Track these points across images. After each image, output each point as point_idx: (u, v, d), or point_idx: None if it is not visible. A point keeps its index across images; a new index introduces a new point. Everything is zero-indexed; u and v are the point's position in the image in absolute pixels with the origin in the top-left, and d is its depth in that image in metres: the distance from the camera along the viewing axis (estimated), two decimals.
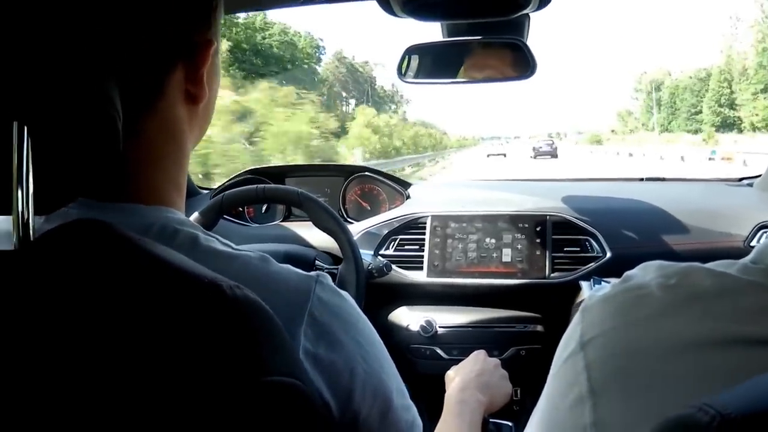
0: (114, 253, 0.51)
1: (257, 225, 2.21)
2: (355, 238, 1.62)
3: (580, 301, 0.93)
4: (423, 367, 1.90)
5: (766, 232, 1.81)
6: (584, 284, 1.73)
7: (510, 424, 1.30)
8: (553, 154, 49.24)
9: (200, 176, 6.62)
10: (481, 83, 1.72)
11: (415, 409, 0.77)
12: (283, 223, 2.19)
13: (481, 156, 54.86)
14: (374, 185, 2.28)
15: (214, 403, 0.47)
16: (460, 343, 1.89)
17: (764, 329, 0.46)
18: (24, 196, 0.52)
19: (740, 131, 66.79)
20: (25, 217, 0.53)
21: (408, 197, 2.17)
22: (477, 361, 1.29)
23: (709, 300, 0.50)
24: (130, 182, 0.66)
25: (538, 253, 1.87)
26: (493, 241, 1.90)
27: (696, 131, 72.23)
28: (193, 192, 2.30)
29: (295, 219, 2.20)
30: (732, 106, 71.55)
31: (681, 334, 0.49)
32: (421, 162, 38.27)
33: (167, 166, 0.69)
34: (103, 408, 0.45)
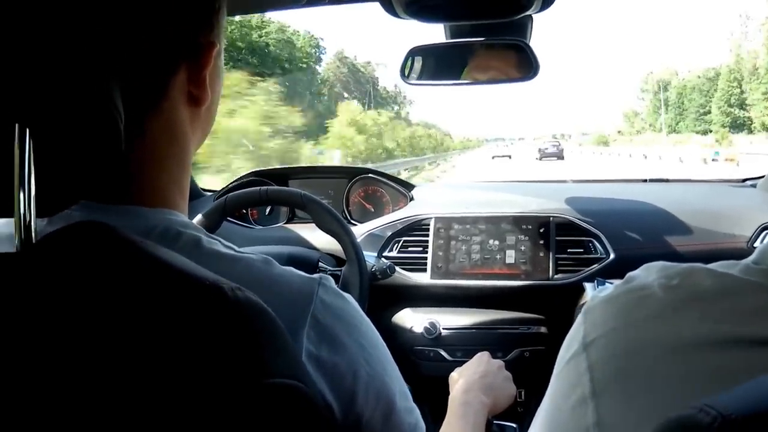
0: (116, 255, 0.51)
1: (261, 227, 2.21)
2: (358, 239, 1.62)
3: (584, 303, 0.93)
4: (427, 368, 1.90)
5: None
6: (588, 285, 1.72)
7: (514, 425, 1.30)
8: (560, 156, 48.48)
9: None
10: (485, 85, 1.72)
11: (418, 412, 0.77)
12: (287, 225, 2.19)
13: (485, 158, 53.67)
14: (378, 187, 2.28)
15: (216, 406, 0.47)
16: (464, 344, 1.89)
17: (765, 330, 0.46)
18: (26, 199, 0.52)
19: (750, 131, 65.77)
20: (27, 219, 0.53)
21: (411, 199, 2.17)
22: (481, 363, 1.29)
23: (711, 300, 0.50)
24: (133, 184, 0.66)
25: (541, 254, 1.87)
26: (497, 242, 1.90)
27: (705, 132, 71.24)
28: (196, 194, 2.30)
29: (299, 221, 2.20)
30: (742, 106, 70.50)
31: (682, 334, 0.49)
32: (419, 165, 35.16)
33: (170, 167, 0.69)
34: (106, 410, 0.46)
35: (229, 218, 1.80)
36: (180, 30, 0.64)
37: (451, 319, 1.93)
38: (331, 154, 24.57)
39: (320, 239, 1.91)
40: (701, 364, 0.47)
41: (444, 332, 1.91)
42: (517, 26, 1.57)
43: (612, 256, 1.83)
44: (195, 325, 0.49)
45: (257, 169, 2.32)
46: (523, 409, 1.84)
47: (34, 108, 0.52)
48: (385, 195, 2.27)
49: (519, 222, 1.91)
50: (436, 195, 2.24)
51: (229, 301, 0.51)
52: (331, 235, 1.58)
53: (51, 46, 0.53)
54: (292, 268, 0.69)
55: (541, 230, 1.89)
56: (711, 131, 69.28)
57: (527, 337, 1.89)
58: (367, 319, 0.73)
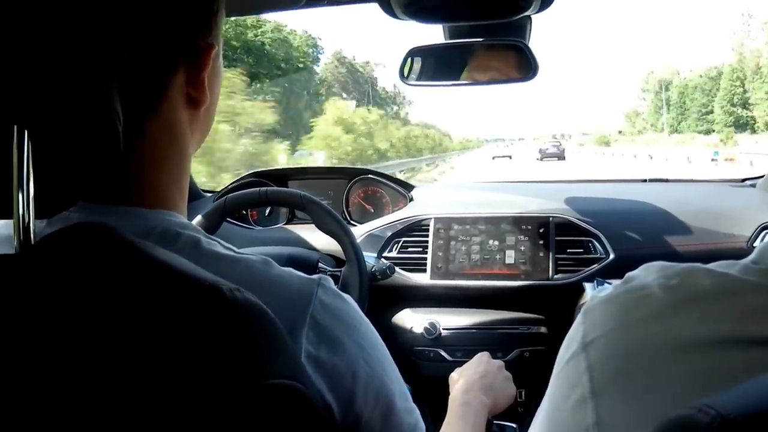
0: (115, 256, 0.51)
1: (260, 228, 2.21)
2: (358, 240, 1.62)
3: (584, 303, 0.93)
4: (427, 369, 1.90)
5: None
6: (587, 286, 1.72)
7: (514, 425, 1.30)
8: (561, 156, 47.75)
9: None
10: (484, 85, 1.72)
11: (417, 412, 0.77)
12: (287, 226, 2.19)
13: (485, 159, 52.51)
14: (377, 188, 2.28)
15: (215, 406, 0.47)
16: (464, 345, 1.89)
17: (764, 329, 0.46)
18: (25, 200, 0.52)
19: (753, 131, 64.90)
20: (26, 220, 0.53)
21: (411, 199, 2.17)
22: (481, 363, 1.29)
23: (710, 300, 0.50)
24: (132, 185, 0.66)
25: (541, 254, 1.87)
26: (497, 242, 1.90)
27: (708, 132, 70.31)
28: (196, 195, 2.30)
29: (299, 222, 2.20)
30: (745, 105, 69.70)
31: (681, 334, 0.49)
32: (416, 167, 33.32)
33: (170, 168, 0.69)
34: (105, 411, 0.46)
35: (228, 219, 1.81)
36: (179, 32, 0.64)
37: (451, 320, 1.93)
38: (315, 156, 22.40)
39: (320, 240, 1.91)
40: (700, 364, 0.47)
41: (444, 332, 1.91)
42: (516, 27, 1.57)
43: (612, 256, 1.83)
44: (194, 326, 0.49)
45: (257, 170, 2.32)
46: (523, 409, 1.84)
47: (33, 109, 0.52)
48: (385, 195, 2.27)
49: (519, 222, 1.91)
50: (436, 195, 2.24)
51: (227, 302, 0.51)
52: (331, 236, 1.58)
53: (50, 47, 0.53)
54: (291, 269, 0.69)
55: (541, 230, 1.89)
56: (714, 131, 68.25)
57: (527, 337, 1.89)
58: (367, 320, 0.73)
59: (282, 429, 0.51)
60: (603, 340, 0.54)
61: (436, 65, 1.72)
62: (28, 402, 0.46)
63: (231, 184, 2.27)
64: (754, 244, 1.79)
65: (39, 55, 0.52)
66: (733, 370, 0.45)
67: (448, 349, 1.90)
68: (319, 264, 1.76)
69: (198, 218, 1.58)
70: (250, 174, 2.31)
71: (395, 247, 1.99)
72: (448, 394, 1.21)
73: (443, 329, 1.91)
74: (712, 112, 75.43)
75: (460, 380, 1.23)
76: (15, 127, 0.51)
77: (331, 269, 1.76)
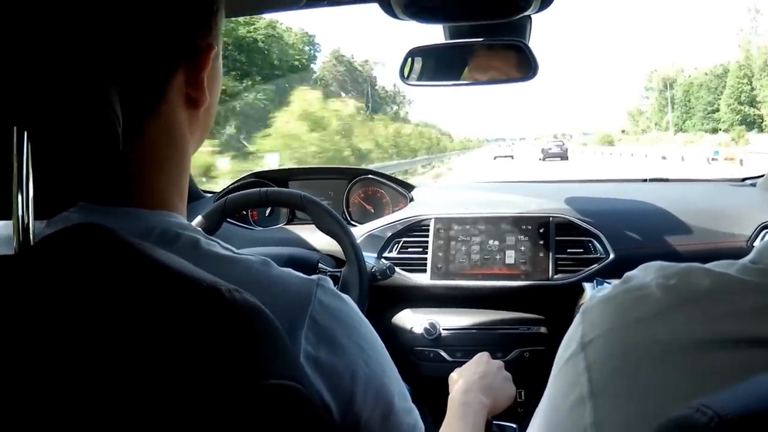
0: (114, 257, 0.51)
1: (261, 228, 2.21)
2: (358, 240, 1.62)
3: (583, 303, 0.93)
4: (427, 369, 1.90)
5: None
6: (587, 286, 1.72)
7: (514, 425, 1.30)
8: (563, 156, 46.76)
9: None
10: (485, 85, 1.72)
11: (417, 412, 0.77)
12: (287, 227, 2.19)
13: (485, 159, 51.19)
14: (378, 188, 2.28)
15: (214, 407, 0.47)
16: (464, 345, 1.89)
17: (762, 329, 0.46)
18: (24, 201, 0.52)
19: (761, 130, 63.49)
20: (25, 221, 0.53)
21: (411, 200, 2.18)
22: (480, 363, 1.29)
23: (708, 300, 0.50)
24: (132, 186, 0.66)
25: (541, 254, 1.87)
26: (497, 243, 1.90)
27: (714, 130, 68.70)
28: (196, 195, 2.30)
29: (299, 222, 2.20)
30: (752, 103, 67.79)
31: (679, 334, 0.49)
32: (410, 168, 29.71)
33: (169, 169, 0.69)
34: (104, 412, 0.46)
35: (229, 219, 1.81)
36: (178, 32, 0.65)
37: (450, 320, 1.93)
38: (267, 160, 17.93)
39: (320, 240, 1.92)
40: (699, 364, 0.47)
41: (444, 333, 1.91)
42: (516, 27, 1.57)
43: (612, 256, 1.83)
44: (193, 327, 0.49)
45: (257, 170, 2.32)
46: (523, 409, 1.83)
47: (33, 110, 0.52)
48: (385, 196, 2.27)
49: (519, 222, 1.91)
50: (436, 196, 2.24)
51: (226, 302, 0.51)
52: (331, 236, 1.59)
53: (49, 48, 0.53)
54: (290, 270, 0.69)
55: (541, 230, 1.89)
56: (720, 130, 67.09)
57: (527, 337, 1.89)
58: (366, 320, 0.73)
59: (281, 429, 0.51)
60: (601, 340, 0.54)
61: (437, 65, 1.72)
62: (28, 402, 0.46)
63: (231, 184, 2.27)
64: (754, 244, 1.79)
65: (39, 55, 0.52)
66: (732, 370, 0.45)
67: (448, 350, 1.90)
68: (320, 264, 1.77)
69: (198, 219, 1.58)
70: (250, 174, 2.31)
71: (395, 247, 1.99)
72: (448, 394, 1.21)
73: (443, 329, 1.91)
74: (718, 110, 73.32)
75: (459, 380, 1.23)
76: (15, 128, 0.51)
77: (331, 269, 1.76)
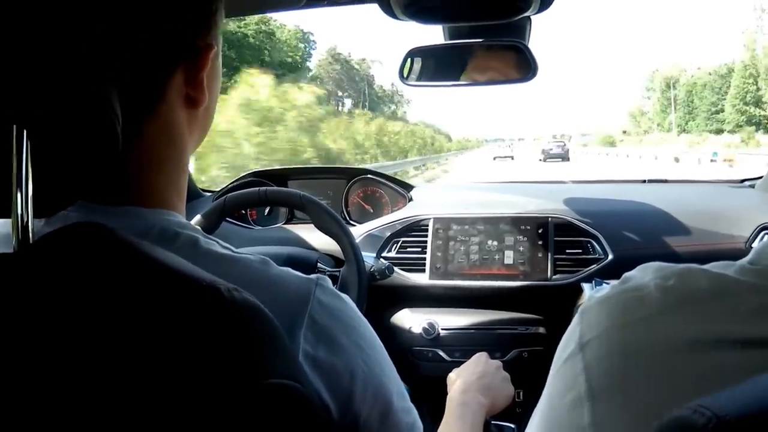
0: (113, 256, 0.51)
1: (260, 227, 2.21)
2: (357, 240, 1.62)
3: (582, 303, 0.93)
4: (425, 369, 1.90)
5: (767, 233, 1.80)
6: (585, 286, 1.72)
7: (512, 426, 1.30)
8: (565, 157, 45.36)
9: None
10: (484, 86, 1.72)
11: (415, 412, 0.77)
12: (286, 226, 2.19)
13: (485, 159, 49.66)
14: (377, 188, 2.28)
15: (213, 406, 0.47)
16: (462, 345, 1.89)
17: (760, 330, 0.46)
18: (23, 199, 0.52)
19: (767, 131, 62.09)
20: (25, 219, 0.53)
21: (410, 199, 2.18)
22: (479, 363, 1.29)
23: (706, 301, 0.50)
24: (131, 185, 0.66)
25: (540, 255, 1.87)
26: (495, 243, 1.90)
27: (718, 131, 67.38)
28: (195, 195, 2.30)
29: (298, 221, 2.20)
30: (758, 104, 66.61)
31: (678, 335, 0.49)
32: (399, 171, 23.43)
33: (168, 169, 0.69)
34: (103, 411, 0.46)
35: (228, 219, 1.81)
36: (178, 32, 0.65)
37: (449, 320, 1.93)
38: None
39: (319, 240, 1.92)
40: (697, 365, 0.47)
41: (442, 333, 1.91)
42: (516, 27, 1.57)
43: (610, 256, 1.83)
44: (192, 326, 0.49)
45: (256, 169, 2.32)
46: (522, 409, 1.83)
47: (32, 109, 0.52)
48: (384, 196, 2.27)
49: (517, 223, 1.91)
50: (435, 196, 2.25)
51: (225, 301, 0.51)
52: (330, 236, 1.59)
53: (49, 47, 0.53)
54: (289, 269, 0.69)
55: (540, 231, 1.89)
56: (724, 131, 65.76)
57: (525, 337, 1.89)
58: (365, 320, 0.73)
59: (280, 428, 0.51)
60: (599, 341, 0.54)
61: (436, 66, 1.72)
62: (27, 402, 0.46)
63: (230, 183, 2.27)
64: (753, 245, 1.79)
65: (38, 55, 0.52)
66: (730, 370, 0.45)
67: (447, 350, 1.90)
68: (318, 264, 1.77)
69: (197, 218, 1.58)
70: (249, 173, 2.31)
71: (394, 247, 1.99)
72: (446, 394, 1.21)
73: (442, 329, 1.91)
74: (722, 111, 72.03)
75: (458, 380, 1.23)
76: (14, 126, 0.51)
77: (330, 269, 1.76)
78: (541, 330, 1.90)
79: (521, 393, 1.86)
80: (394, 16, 1.42)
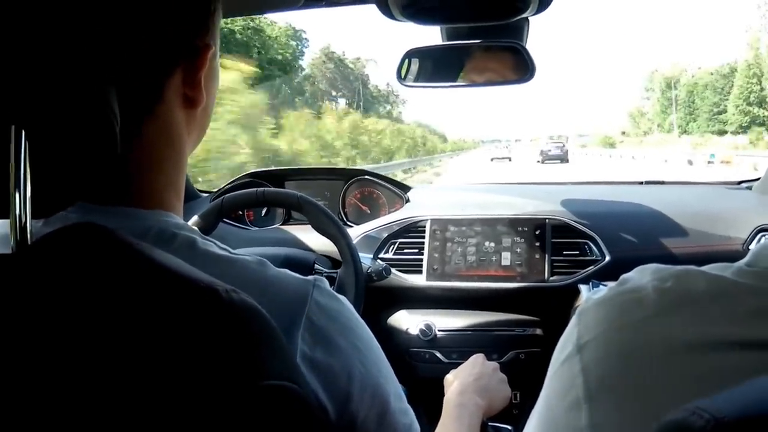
0: (111, 257, 0.51)
1: (257, 228, 2.22)
2: (354, 241, 1.62)
3: (579, 305, 0.93)
4: (422, 370, 1.91)
5: (765, 235, 1.81)
6: (583, 288, 1.73)
7: (509, 427, 1.30)
8: (564, 159, 44.50)
9: None
10: (482, 87, 1.72)
11: (412, 413, 0.77)
12: (283, 227, 2.19)
13: (481, 161, 48.31)
14: (374, 189, 2.28)
15: (211, 407, 0.47)
16: (460, 346, 1.89)
17: (758, 332, 0.46)
18: (22, 200, 0.52)
19: None
20: (23, 220, 0.53)
21: (408, 201, 2.18)
22: (476, 365, 1.29)
23: (704, 303, 0.50)
24: (130, 186, 0.66)
25: (537, 256, 1.87)
26: (493, 244, 1.91)
27: (720, 132, 66.07)
28: (192, 195, 2.30)
29: (295, 222, 2.20)
30: (762, 104, 64.77)
31: (675, 336, 0.49)
32: (386, 174, 12.72)
33: (167, 169, 0.69)
34: (101, 412, 0.46)
35: (225, 219, 1.81)
36: (176, 32, 0.65)
37: (446, 321, 1.93)
38: None
39: (316, 241, 1.91)
40: (695, 367, 0.47)
41: (439, 334, 1.91)
42: (514, 28, 1.57)
43: (608, 258, 1.83)
44: (190, 328, 0.49)
45: (254, 170, 2.32)
46: (519, 411, 1.83)
47: (31, 109, 0.52)
48: (381, 197, 2.27)
49: (515, 224, 1.92)
50: (432, 197, 2.25)
51: (223, 303, 0.51)
52: (327, 237, 1.59)
53: (48, 48, 0.53)
54: (286, 270, 0.69)
55: (537, 232, 1.89)
56: (727, 131, 64.69)
57: (522, 339, 1.90)
58: (362, 321, 0.73)
59: (277, 430, 0.51)
60: (597, 343, 0.54)
61: (434, 67, 1.72)
62: (26, 402, 0.46)
63: (228, 184, 2.27)
64: (750, 247, 1.79)
65: (37, 55, 0.52)
66: (728, 372, 0.45)
67: (444, 351, 1.90)
68: (315, 265, 1.77)
69: (195, 218, 1.58)
70: (246, 174, 2.31)
71: (391, 248, 1.99)
72: (443, 395, 1.21)
73: (439, 331, 1.91)
74: (725, 111, 70.04)
75: (455, 382, 1.23)
76: (13, 127, 0.51)
77: (327, 270, 1.76)
78: (539, 331, 1.91)
79: (518, 394, 1.85)
80: (392, 17, 1.42)
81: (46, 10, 0.53)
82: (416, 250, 1.96)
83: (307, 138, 20.66)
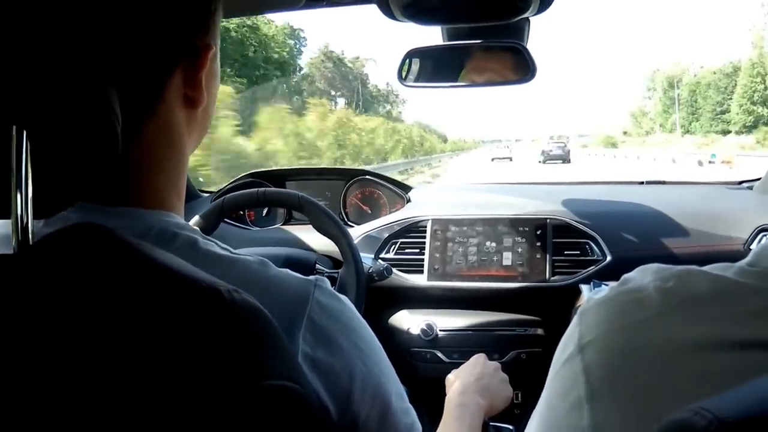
0: (113, 257, 0.51)
1: (258, 228, 2.21)
2: (355, 241, 1.62)
3: (580, 305, 0.93)
4: (423, 370, 1.90)
5: (765, 235, 1.81)
6: (584, 287, 1.73)
7: (510, 427, 1.30)
8: (566, 159, 43.46)
9: None
10: (482, 87, 1.72)
11: (414, 413, 0.77)
12: (284, 227, 2.19)
13: (482, 161, 47.39)
14: (375, 189, 2.28)
15: (213, 407, 0.47)
16: (461, 346, 1.89)
17: (761, 332, 0.46)
18: (23, 200, 0.52)
19: None
20: (25, 220, 0.53)
21: (408, 201, 2.18)
22: (477, 365, 1.29)
23: (706, 303, 0.50)
24: (131, 186, 0.66)
25: (538, 256, 1.87)
26: (494, 244, 1.90)
27: (724, 132, 64.49)
28: (193, 195, 2.30)
29: (296, 222, 2.20)
30: (766, 103, 62.67)
31: (677, 336, 0.49)
32: None
33: (168, 169, 0.69)
34: (103, 412, 0.46)
35: (226, 219, 1.81)
36: (177, 32, 0.65)
37: (447, 321, 1.93)
38: None
39: (317, 241, 1.91)
40: (697, 367, 0.47)
41: (441, 334, 1.91)
42: (515, 29, 1.57)
43: (609, 258, 1.83)
44: (192, 328, 0.49)
45: (255, 170, 2.32)
46: (520, 410, 1.83)
47: (32, 110, 0.52)
48: (382, 197, 2.27)
49: (516, 224, 1.91)
50: (433, 197, 2.25)
51: (226, 303, 0.51)
52: (328, 237, 1.59)
53: (49, 48, 0.53)
54: (288, 270, 0.69)
55: (538, 232, 1.89)
56: (730, 131, 63.15)
57: (524, 338, 1.90)
58: (363, 321, 0.73)
59: (279, 429, 0.51)
60: (599, 342, 0.54)
61: (434, 67, 1.72)
62: (27, 403, 0.46)
63: (229, 184, 2.27)
64: (751, 247, 1.79)
65: (38, 55, 0.52)
66: (730, 372, 0.45)
67: (445, 351, 1.90)
68: (317, 265, 1.77)
69: (196, 218, 1.58)
70: (247, 174, 2.31)
71: (392, 248, 1.99)
72: (445, 395, 1.21)
73: (440, 330, 1.91)
74: (728, 111, 68.21)
75: (456, 382, 1.23)
76: (14, 127, 0.51)
77: (328, 270, 1.76)
78: (540, 331, 1.91)
79: (519, 394, 1.86)
80: (393, 17, 1.42)
81: (46, 11, 0.53)
82: (417, 250, 1.96)
83: (285, 137, 18.65)
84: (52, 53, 0.53)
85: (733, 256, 0.59)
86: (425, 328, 1.90)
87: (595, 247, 1.85)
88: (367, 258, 1.86)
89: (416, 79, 1.70)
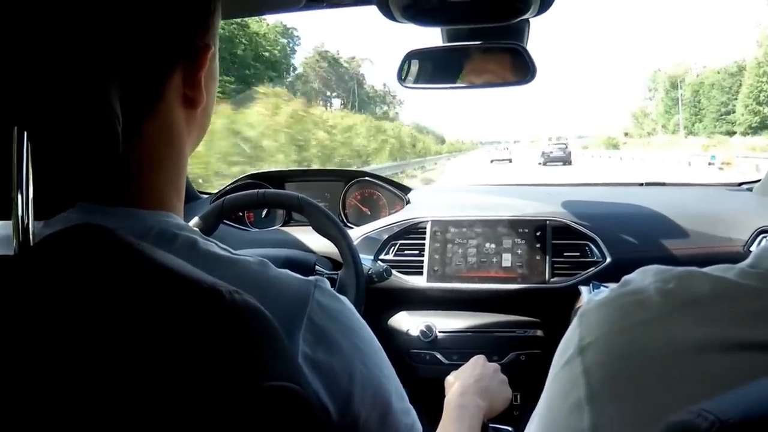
0: (113, 258, 0.51)
1: (257, 230, 2.22)
2: (354, 243, 1.62)
3: (580, 306, 0.93)
4: (423, 371, 1.91)
5: (765, 236, 1.81)
6: (584, 289, 1.73)
7: (510, 429, 1.30)
8: (567, 161, 42.83)
9: None
10: (481, 88, 1.72)
11: (414, 413, 0.77)
12: (283, 228, 2.20)
13: (480, 163, 46.39)
14: (374, 190, 2.28)
15: (213, 408, 0.47)
16: (460, 348, 1.89)
17: (762, 333, 0.46)
18: (24, 201, 0.52)
19: None
20: (25, 221, 0.53)
21: (408, 202, 2.18)
22: (476, 366, 1.29)
23: (707, 304, 0.50)
24: (130, 186, 0.66)
25: (538, 257, 1.87)
26: (493, 245, 1.91)
27: (729, 133, 62.85)
28: (193, 197, 2.30)
29: (295, 224, 2.20)
30: None
31: (678, 338, 0.49)
32: None
33: (167, 169, 0.69)
34: (103, 413, 0.46)
35: (225, 221, 1.81)
36: (177, 32, 0.65)
37: (447, 323, 1.93)
38: None
39: (317, 242, 1.92)
40: (698, 369, 0.47)
41: (440, 335, 1.91)
42: (514, 30, 1.57)
43: (608, 259, 1.83)
44: (193, 328, 0.49)
45: (254, 171, 2.32)
46: (519, 412, 1.83)
47: (33, 110, 0.52)
48: (382, 198, 2.27)
49: (515, 225, 1.92)
50: (433, 198, 2.25)
51: (226, 303, 0.51)
52: (328, 238, 1.59)
53: (49, 48, 0.53)
54: (288, 271, 0.69)
55: (538, 234, 1.89)
56: (735, 132, 61.55)
57: (523, 340, 1.90)
58: (363, 321, 0.73)
59: (279, 430, 0.51)
60: (599, 344, 0.54)
61: (433, 68, 1.72)
62: (27, 403, 0.45)
63: (228, 185, 2.27)
64: (751, 248, 1.79)
65: (39, 56, 0.52)
66: (732, 374, 0.45)
67: (444, 352, 1.90)
68: (316, 266, 1.77)
69: (195, 219, 1.58)
70: (247, 176, 2.31)
71: (392, 249, 1.99)
72: (444, 397, 1.21)
73: (439, 332, 1.91)
74: (733, 111, 66.24)
75: (455, 383, 1.23)
76: (15, 128, 0.51)
77: (327, 272, 1.76)
78: (539, 333, 1.91)
79: (519, 396, 1.86)
80: (393, 18, 1.42)
81: (47, 11, 0.53)
82: (417, 252, 1.96)
83: (211, 136, 12.59)
84: (52, 54, 0.53)
85: (733, 258, 0.59)
86: (425, 329, 1.91)
87: (594, 249, 1.85)
88: (366, 259, 1.86)
89: (416, 81, 1.70)
